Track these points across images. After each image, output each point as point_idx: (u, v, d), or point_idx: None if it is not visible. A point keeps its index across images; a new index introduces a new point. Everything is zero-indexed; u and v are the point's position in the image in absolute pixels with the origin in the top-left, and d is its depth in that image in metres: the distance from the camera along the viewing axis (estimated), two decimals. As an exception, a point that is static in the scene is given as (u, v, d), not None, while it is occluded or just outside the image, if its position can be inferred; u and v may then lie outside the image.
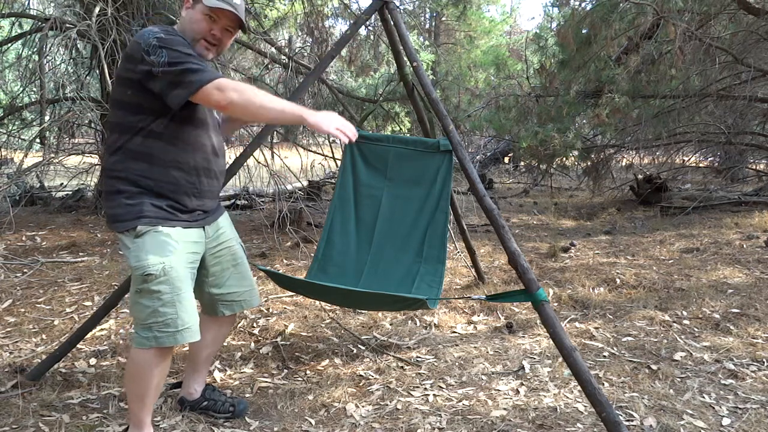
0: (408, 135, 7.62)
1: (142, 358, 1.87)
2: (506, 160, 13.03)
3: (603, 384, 2.56)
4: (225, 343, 3.00)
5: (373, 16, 3.21)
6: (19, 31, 5.88)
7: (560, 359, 2.67)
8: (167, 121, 1.80)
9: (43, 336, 3.03)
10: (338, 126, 1.79)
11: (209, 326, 2.21)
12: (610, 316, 3.41)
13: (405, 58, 2.97)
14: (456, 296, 3.22)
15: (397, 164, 2.95)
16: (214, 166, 1.98)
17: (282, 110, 1.75)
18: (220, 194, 2.16)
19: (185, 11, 1.90)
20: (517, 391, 2.49)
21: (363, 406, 2.37)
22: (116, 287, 3.72)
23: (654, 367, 2.71)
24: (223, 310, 2.18)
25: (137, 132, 1.80)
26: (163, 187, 1.83)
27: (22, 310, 3.36)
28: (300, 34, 7.44)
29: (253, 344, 3.00)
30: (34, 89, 5.91)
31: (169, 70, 1.71)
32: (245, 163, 3.36)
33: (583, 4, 7.44)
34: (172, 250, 1.83)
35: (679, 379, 2.60)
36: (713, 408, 2.34)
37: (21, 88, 5.84)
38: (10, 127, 6.09)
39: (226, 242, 2.13)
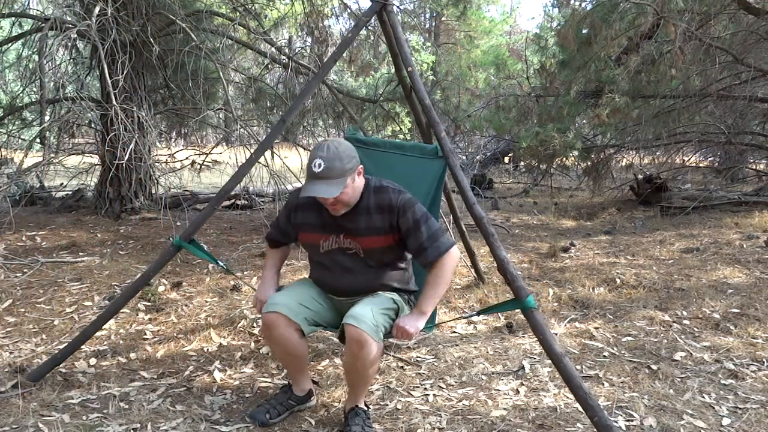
0: (408, 135, 7.63)
1: None
2: (506, 160, 13.01)
3: (603, 384, 2.56)
4: (225, 343, 3.00)
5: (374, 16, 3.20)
6: (19, 31, 5.87)
7: (560, 359, 2.67)
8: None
9: (43, 336, 3.03)
10: None
11: None
12: (610, 316, 3.41)
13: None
14: (448, 319, 3.28)
15: (393, 169, 2.93)
16: (331, 280, 2.31)
17: None
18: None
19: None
20: (517, 391, 2.50)
21: (363, 406, 2.37)
22: (116, 287, 3.73)
23: (654, 367, 2.71)
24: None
25: None
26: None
27: (22, 310, 3.36)
28: (300, 34, 7.44)
29: (253, 344, 3.00)
30: (34, 89, 5.91)
31: None
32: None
33: (583, 4, 7.46)
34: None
35: (679, 379, 2.60)
36: (713, 408, 2.34)
37: (21, 88, 5.84)
38: (10, 127, 6.08)
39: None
